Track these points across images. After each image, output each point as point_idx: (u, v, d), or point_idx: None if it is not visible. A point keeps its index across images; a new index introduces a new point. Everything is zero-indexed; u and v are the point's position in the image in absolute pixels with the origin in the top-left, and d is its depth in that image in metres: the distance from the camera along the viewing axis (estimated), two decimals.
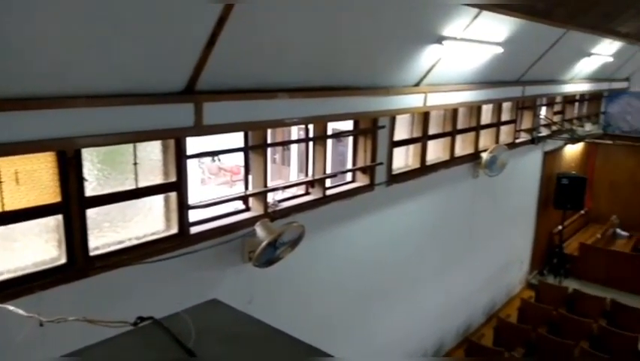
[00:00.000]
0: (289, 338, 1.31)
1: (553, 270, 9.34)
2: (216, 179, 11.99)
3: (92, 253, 2.94)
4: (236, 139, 3.83)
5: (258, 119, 3.35)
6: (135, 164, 3.09)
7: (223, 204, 3.76)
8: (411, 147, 5.63)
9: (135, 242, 3.18)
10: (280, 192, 4.57)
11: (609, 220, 10.89)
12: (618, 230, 10.77)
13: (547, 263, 9.54)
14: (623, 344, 6.25)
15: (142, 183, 3.15)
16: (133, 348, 1.34)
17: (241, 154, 3.90)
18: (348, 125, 4.85)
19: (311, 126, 4.28)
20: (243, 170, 4.05)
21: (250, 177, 3.93)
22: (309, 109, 3.62)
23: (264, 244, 3.44)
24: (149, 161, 3.23)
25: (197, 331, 1.32)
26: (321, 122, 4.09)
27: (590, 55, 7.31)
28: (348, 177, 4.98)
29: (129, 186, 3.11)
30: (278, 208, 3.93)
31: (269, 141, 3.91)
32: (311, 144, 4.35)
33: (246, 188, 3.88)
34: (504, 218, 7.88)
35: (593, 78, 9.00)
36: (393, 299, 5.64)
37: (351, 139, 4.89)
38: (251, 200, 3.91)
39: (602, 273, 9.20)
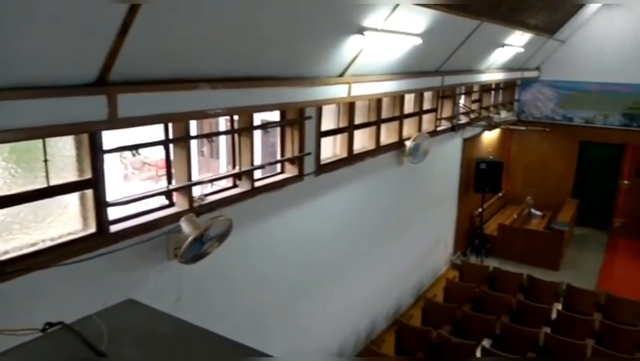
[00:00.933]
0: (209, 335, 1.29)
1: (475, 250, 9.90)
2: (141, 174, 11.53)
3: (0, 258, 2.74)
4: (161, 132, 3.70)
5: (178, 110, 3.25)
6: (45, 161, 2.90)
7: (147, 200, 3.63)
8: (338, 136, 5.71)
9: (50, 243, 2.99)
10: (210, 185, 4.49)
11: (524, 201, 11.69)
12: (533, 210, 11.60)
13: (470, 244, 10.10)
14: (538, 315, 6.74)
15: (54, 181, 2.96)
16: (40, 355, 1.26)
17: (169, 148, 3.75)
18: (276, 115, 4.84)
19: (237, 117, 4.23)
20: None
21: (173, 171, 3.81)
22: (232, 100, 3.56)
23: (189, 239, 3.36)
24: (61, 157, 3.04)
25: (110, 332, 1.27)
26: (246, 113, 4.04)
27: (503, 46, 7.74)
28: (278, 168, 4.98)
29: (40, 184, 2.91)
30: (204, 202, 3.85)
31: (194, 133, 3.81)
32: (238, 135, 4.29)
33: (169, 182, 3.76)
34: (428, 203, 8.22)
35: (507, 68, 9.56)
36: (326, 287, 5.74)
37: (279, 130, 4.89)
38: (175, 195, 3.80)
39: (519, 250, 9.89)
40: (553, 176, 11.97)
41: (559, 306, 7.15)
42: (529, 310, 6.86)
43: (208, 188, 4.33)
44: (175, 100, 3.21)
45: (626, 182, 11.12)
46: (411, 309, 7.86)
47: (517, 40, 8.09)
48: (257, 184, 4.39)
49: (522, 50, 8.65)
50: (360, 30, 4.12)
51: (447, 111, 8.45)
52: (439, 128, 8.07)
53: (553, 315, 6.74)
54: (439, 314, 6.68)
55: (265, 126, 4.54)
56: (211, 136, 4.21)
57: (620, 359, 5.77)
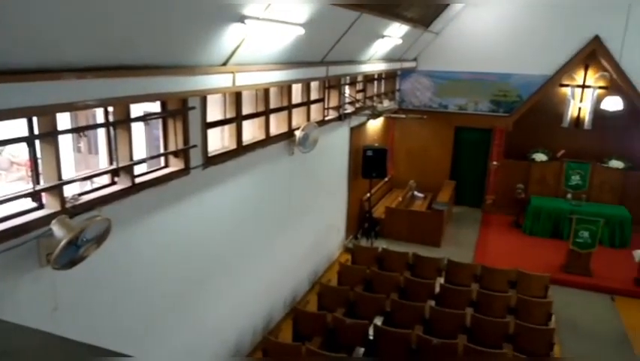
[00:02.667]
0: (71, 345, 1.18)
1: (365, 233, 10.36)
2: (9, 175, 10.37)
3: None
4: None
5: (41, 103, 2.94)
6: None
7: (14, 203, 3.26)
8: (226, 127, 5.59)
9: None
10: (90, 184, 4.14)
11: (408, 185, 12.45)
12: (416, 192, 12.39)
13: (360, 228, 10.54)
14: (424, 290, 7.23)
15: None
16: None
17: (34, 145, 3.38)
18: (158, 106, 4.60)
19: (112, 109, 3.94)
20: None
21: (41, 170, 3.45)
22: (104, 90, 3.30)
23: (62, 243, 3.07)
24: None
25: None
26: (121, 104, 3.78)
27: (383, 37, 8.10)
28: (162, 162, 4.75)
29: None
30: (78, 202, 3.55)
31: (68, 126, 3.47)
32: (113, 129, 4.00)
33: (36, 183, 3.40)
34: (320, 191, 8.42)
35: (387, 59, 10.04)
36: (220, 281, 5.63)
37: (161, 122, 4.65)
38: (44, 196, 3.45)
39: (405, 231, 10.53)
40: (433, 160, 12.90)
41: (441, 280, 7.73)
42: (416, 286, 7.34)
43: (88, 186, 4.00)
44: (38, 92, 2.90)
45: (495, 163, 12.32)
46: (307, 295, 8.02)
47: (396, 32, 8.52)
48: (138, 180, 4.15)
49: (400, 41, 9.13)
50: (241, 18, 4.05)
51: (334, 101, 8.67)
52: (326, 118, 8.25)
53: (437, 289, 7.28)
54: (333, 298, 6.89)
55: (144, 118, 4.29)
56: (82, 130, 3.87)
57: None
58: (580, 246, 9.06)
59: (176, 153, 4.62)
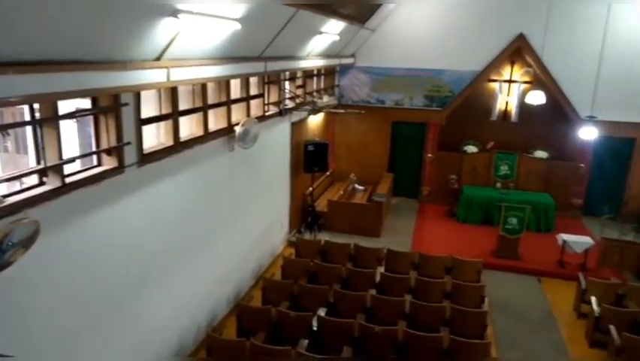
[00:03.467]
0: None
1: (308, 227, 10.46)
2: None
3: None
4: None
5: None
6: None
7: None
8: (162, 124, 5.47)
9: None
10: (18, 183, 3.92)
11: (349, 178, 12.68)
12: (356, 185, 12.65)
13: (304, 221, 10.63)
14: (365, 279, 7.43)
15: None
16: None
17: None
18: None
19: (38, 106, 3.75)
20: None
21: None
22: (28, 86, 3.14)
23: None
24: None
25: None
26: (47, 101, 3.61)
27: (320, 33, 8.20)
28: (95, 160, 4.58)
29: None
30: (3, 205, 3.37)
31: None
32: (40, 127, 3.82)
33: None
34: (262, 186, 8.41)
35: (326, 55, 10.16)
36: (161, 281, 5.51)
37: (92, 119, 4.48)
38: None
39: (347, 223, 10.74)
40: (372, 153, 13.23)
41: (382, 269, 7.97)
42: (358, 276, 7.53)
43: (17, 187, 3.79)
44: None
45: (430, 155, 12.80)
46: (251, 291, 8.01)
47: (333, 29, 8.64)
48: (69, 180, 3.99)
49: (338, 38, 9.27)
50: (174, 12, 3.98)
51: (274, 96, 8.67)
52: (267, 113, 8.24)
53: (378, 278, 7.51)
54: (277, 292, 6.94)
55: (73, 115, 4.11)
56: (4, 129, 3.67)
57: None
58: (509, 232, 9.63)
59: (109, 151, 4.48)
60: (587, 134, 9.07)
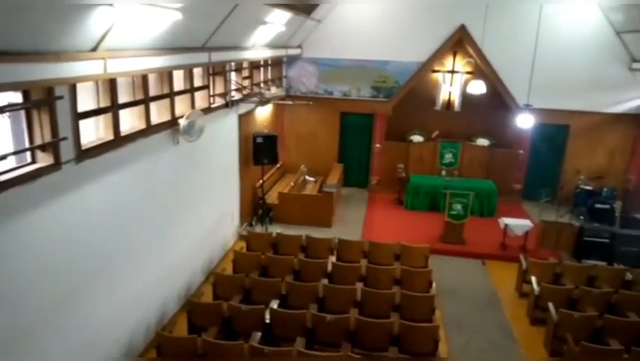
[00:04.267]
0: None
1: (259, 219, 10.41)
2: None
3: None
4: None
5: None
6: None
7: None
8: (101, 117, 5.25)
9: None
10: None
11: (299, 169, 12.68)
12: (307, 176, 12.69)
13: (255, 214, 10.56)
14: (317, 270, 7.48)
15: None
16: None
17: None
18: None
19: None
20: None
21: None
22: None
23: None
24: None
25: None
26: None
27: (265, 23, 8.10)
28: (29, 157, 4.33)
29: None
30: None
31: None
32: None
33: None
34: (210, 179, 8.26)
35: (273, 45, 10.06)
36: (105, 280, 5.32)
37: (24, 114, 4.23)
38: None
39: (298, 214, 10.76)
40: (321, 144, 13.30)
41: (333, 259, 8.05)
42: (309, 266, 7.57)
43: None
44: None
45: (378, 145, 13.01)
46: (202, 287, 7.89)
47: (278, 19, 8.56)
48: (0, 178, 3.76)
49: (284, 28, 9.20)
50: (109, 1, 3.81)
51: (219, 88, 8.51)
52: (213, 105, 8.09)
53: (329, 268, 7.57)
54: (228, 286, 6.86)
55: (2, 110, 3.86)
56: None
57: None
58: (454, 217, 9.96)
59: (43, 147, 4.25)
60: (524, 121, 9.48)
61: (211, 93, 8.05)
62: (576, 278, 7.59)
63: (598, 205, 10.70)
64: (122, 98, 5.52)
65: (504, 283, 8.62)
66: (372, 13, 12.18)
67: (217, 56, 7.21)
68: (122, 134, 5.48)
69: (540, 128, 11.93)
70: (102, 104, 5.18)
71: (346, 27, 12.34)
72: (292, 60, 12.72)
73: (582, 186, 11.90)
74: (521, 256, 8.36)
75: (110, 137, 5.27)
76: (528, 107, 9.62)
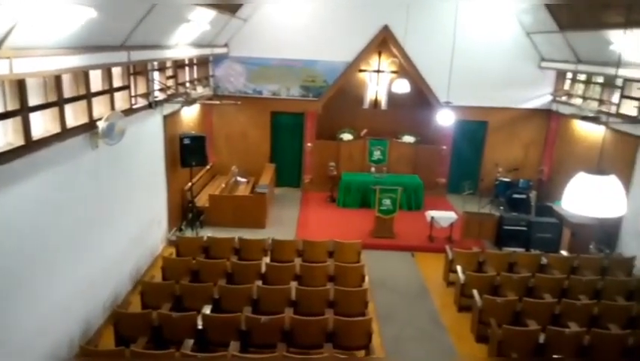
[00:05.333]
0: None
1: (189, 224, 10.12)
2: None
3: None
4: None
5: None
6: None
7: None
8: (9, 122, 4.86)
9: None
10: None
11: (230, 170, 12.47)
12: (238, 177, 12.48)
13: (184, 219, 10.26)
14: (251, 271, 7.39)
15: None
16: None
17: None
18: None
19: None
20: None
21: None
22: None
23: None
24: None
25: None
26: None
27: (188, 21, 7.87)
28: None
29: None
30: None
31: None
32: None
33: None
34: (135, 184, 7.91)
35: (198, 44, 9.81)
36: (23, 295, 4.94)
37: None
38: None
39: (230, 216, 10.58)
40: (252, 144, 13.17)
41: (267, 260, 8.00)
42: (243, 269, 7.47)
43: None
44: None
45: (309, 144, 13.08)
46: (129, 296, 7.54)
47: (202, 17, 8.35)
48: None
49: (209, 27, 9.00)
50: None
51: (142, 88, 8.18)
52: (135, 106, 7.75)
53: (263, 268, 7.51)
54: (158, 294, 6.62)
55: None
56: None
57: None
58: (384, 212, 10.23)
59: None
60: (444, 118, 9.91)
61: (132, 94, 7.71)
62: (497, 265, 8.06)
63: (515, 195, 11.42)
64: (33, 101, 5.15)
65: (432, 274, 8.98)
66: (298, 13, 12.21)
67: (137, 55, 6.92)
68: (34, 138, 5.11)
69: (461, 124, 12.52)
70: (10, 108, 4.80)
71: (273, 26, 12.29)
72: (219, 59, 12.48)
73: (501, 178, 12.63)
74: (447, 247, 8.74)
75: (21, 142, 4.90)
76: (448, 104, 10.07)
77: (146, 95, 8.21)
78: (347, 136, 13.44)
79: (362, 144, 13.15)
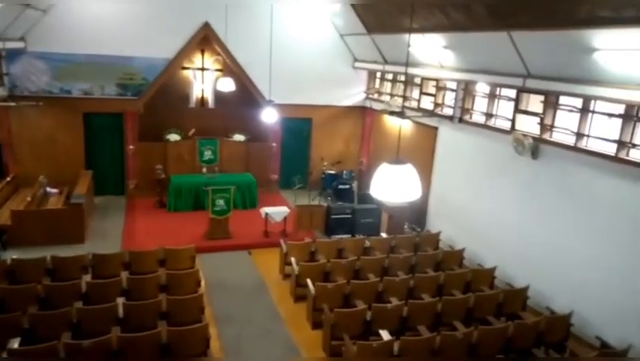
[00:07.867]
0: None
1: None
2: None
3: None
4: None
5: None
6: None
7: None
8: None
9: None
10: None
11: (38, 181, 10.96)
12: (48, 189, 11.06)
13: None
14: (69, 293, 6.59)
15: None
16: None
17: None
18: None
19: None
20: None
21: None
22: None
23: None
24: None
25: None
26: None
27: None
28: None
29: None
30: None
31: None
32: None
33: None
34: None
35: None
36: None
37: None
38: None
39: (41, 234, 9.37)
40: (63, 150, 11.79)
41: (88, 277, 7.24)
42: (58, 291, 6.64)
43: None
44: None
45: (131, 147, 12.19)
46: None
47: None
48: None
49: None
50: None
51: None
52: None
53: (84, 288, 6.77)
54: None
55: None
56: None
57: None
58: (218, 213, 10.07)
59: None
60: (269, 116, 10.14)
61: None
62: (328, 252, 8.54)
63: (341, 186, 12.25)
64: None
65: (269, 269, 9.13)
66: (108, 5, 11.23)
67: None
68: None
69: (287, 122, 12.96)
70: None
71: (81, 20, 11.11)
72: (14, 55, 10.85)
73: (327, 171, 13.42)
74: (281, 241, 8.97)
75: None
76: (270, 102, 10.32)
77: None
78: (174, 137, 12.88)
79: (191, 145, 12.72)
